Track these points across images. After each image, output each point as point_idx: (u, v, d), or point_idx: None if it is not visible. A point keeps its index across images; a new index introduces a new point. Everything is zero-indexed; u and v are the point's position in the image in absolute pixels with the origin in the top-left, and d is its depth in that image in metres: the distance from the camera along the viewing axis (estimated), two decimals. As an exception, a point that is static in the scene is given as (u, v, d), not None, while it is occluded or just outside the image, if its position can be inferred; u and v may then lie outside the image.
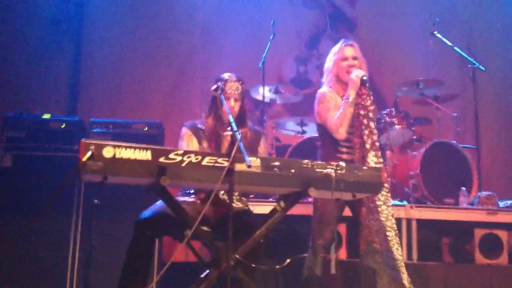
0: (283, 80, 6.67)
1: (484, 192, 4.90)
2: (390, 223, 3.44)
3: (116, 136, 4.45)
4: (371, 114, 3.58)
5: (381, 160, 3.50)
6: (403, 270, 3.42)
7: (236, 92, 3.37)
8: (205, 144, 3.37)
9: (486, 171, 5.66)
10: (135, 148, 2.62)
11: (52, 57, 6.07)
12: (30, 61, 5.97)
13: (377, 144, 3.53)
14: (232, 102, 3.34)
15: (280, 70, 6.78)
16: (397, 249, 3.44)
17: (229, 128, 3.22)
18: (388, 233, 3.42)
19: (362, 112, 3.58)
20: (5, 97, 5.74)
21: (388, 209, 3.46)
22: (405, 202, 4.75)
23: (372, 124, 3.56)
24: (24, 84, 5.89)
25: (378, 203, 3.43)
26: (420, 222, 4.47)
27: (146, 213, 3.18)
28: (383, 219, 3.42)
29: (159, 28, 6.43)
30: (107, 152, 2.56)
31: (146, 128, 4.70)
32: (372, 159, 3.46)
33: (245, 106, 3.48)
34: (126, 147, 2.60)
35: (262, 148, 3.51)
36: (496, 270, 4.34)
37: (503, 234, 4.49)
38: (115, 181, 2.71)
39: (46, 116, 4.65)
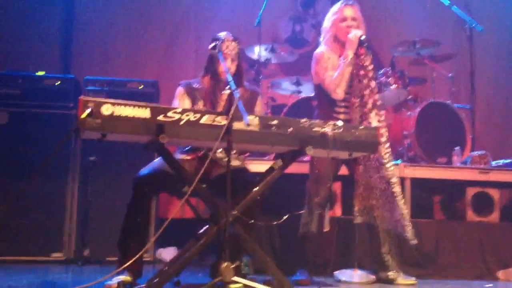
0: (278, 40, 6.60)
1: (477, 152, 4.94)
2: (395, 179, 3.53)
3: (111, 94, 4.43)
4: (371, 74, 3.59)
5: (382, 119, 3.53)
6: (408, 222, 3.53)
7: (233, 52, 3.35)
8: (200, 104, 3.36)
9: (480, 131, 5.70)
10: (133, 106, 2.62)
11: (44, 15, 5.95)
12: (22, 18, 5.85)
13: (379, 103, 3.56)
14: (229, 62, 3.32)
15: (275, 30, 6.69)
16: (403, 203, 3.53)
17: (227, 87, 3.22)
18: (394, 189, 3.51)
19: (361, 72, 3.59)
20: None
21: (393, 166, 3.54)
22: (399, 161, 4.80)
23: (372, 84, 3.57)
24: (16, 42, 5.80)
25: (384, 161, 3.50)
26: (413, 180, 4.52)
27: (145, 170, 3.20)
28: (389, 176, 3.50)
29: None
30: (106, 110, 2.56)
31: (142, 86, 4.69)
32: (374, 118, 3.49)
33: (242, 66, 3.46)
34: (124, 105, 2.60)
35: (259, 108, 3.51)
36: (487, 227, 4.43)
37: (495, 193, 4.56)
38: (113, 139, 2.72)
39: (41, 73, 4.62)
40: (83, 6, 6.14)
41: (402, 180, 4.50)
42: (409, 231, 3.54)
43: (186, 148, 3.28)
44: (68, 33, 6.12)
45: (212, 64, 3.39)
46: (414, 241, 3.58)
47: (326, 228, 3.53)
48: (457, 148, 4.96)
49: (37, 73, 4.62)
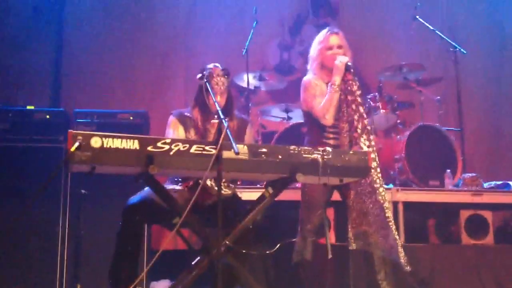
0: (267, 67, 6.67)
1: (468, 174, 4.96)
2: (387, 204, 3.53)
3: (101, 126, 4.42)
4: (359, 99, 3.61)
5: (373, 143, 3.54)
6: (400, 249, 3.50)
7: (223, 86, 3.36)
8: (192, 133, 3.37)
9: (470, 153, 5.74)
10: (122, 137, 2.63)
11: (33, 47, 5.99)
12: (12, 51, 5.89)
13: (368, 128, 3.57)
14: (218, 96, 3.33)
15: (264, 57, 6.76)
16: (395, 229, 3.52)
17: (216, 116, 3.22)
18: (387, 214, 3.50)
19: (349, 97, 3.61)
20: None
21: (385, 191, 3.54)
22: (391, 185, 4.80)
23: (361, 109, 3.59)
24: (6, 75, 5.82)
25: (376, 185, 3.50)
26: (406, 204, 4.51)
27: (134, 198, 3.19)
28: (381, 201, 3.49)
29: (142, 15, 6.37)
30: (95, 142, 2.57)
31: (131, 117, 4.68)
32: (364, 143, 3.50)
33: (231, 97, 3.48)
34: (113, 137, 2.61)
35: (248, 136, 3.52)
36: (482, 250, 4.39)
37: (488, 215, 4.54)
38: (103, 171, 2.71)
39: (30, 107, 4.62)
40: (72, 38, 6.18)
41: (395, 204, 4.51)
42: (402, 258, 3.51)
43: (177, 178, 3.27)
44: (57, 66, 6.15)
45: (201, 94, 3.39)
46: (408, 268, 3.54)
47: (330, 255, 3.51)
48: (448, 170, 4.98)
49: (27, 107, 4.61)
